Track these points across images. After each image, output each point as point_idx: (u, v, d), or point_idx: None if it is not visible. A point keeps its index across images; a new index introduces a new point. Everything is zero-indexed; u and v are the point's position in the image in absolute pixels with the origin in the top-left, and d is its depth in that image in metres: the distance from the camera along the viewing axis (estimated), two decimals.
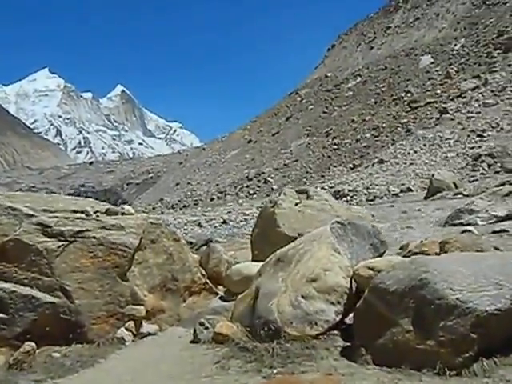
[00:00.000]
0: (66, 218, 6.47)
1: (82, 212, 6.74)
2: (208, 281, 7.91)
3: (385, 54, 57.62)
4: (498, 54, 38.54)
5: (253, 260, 8.94)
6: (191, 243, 11.44)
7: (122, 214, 7.16)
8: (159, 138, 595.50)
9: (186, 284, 7.37)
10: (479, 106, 30.61)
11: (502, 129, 24.38)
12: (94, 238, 6.33)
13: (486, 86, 33.43)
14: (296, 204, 9.01)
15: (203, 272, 7.94)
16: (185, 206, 41.79)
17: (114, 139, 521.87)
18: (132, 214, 7.27)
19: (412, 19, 60.71)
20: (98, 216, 6.75)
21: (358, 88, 52.79)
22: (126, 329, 6.09)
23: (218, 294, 7.94)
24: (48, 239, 6.11)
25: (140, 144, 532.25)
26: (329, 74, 62.89)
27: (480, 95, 32.41)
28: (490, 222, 9.46)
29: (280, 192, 10.10)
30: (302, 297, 4.87)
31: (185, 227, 21.00)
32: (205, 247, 10.60)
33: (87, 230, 6.36)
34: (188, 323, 6.41)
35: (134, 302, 6.35)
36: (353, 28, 72.73)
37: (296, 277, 5.09)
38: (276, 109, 63.42)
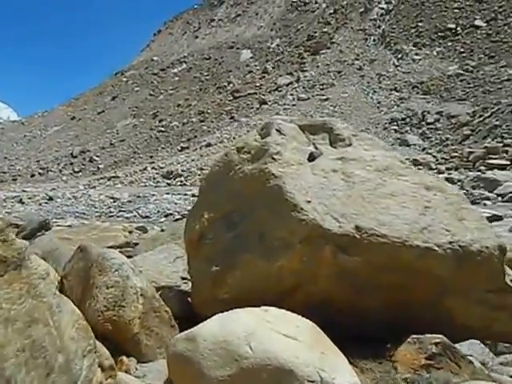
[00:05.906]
0: None
1: None
2: None
3: (209, 45, 60.79)
4: (308, 55, 44.24)
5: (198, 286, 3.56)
6: (18, 226, 7.16)
7: None
8: None
9: None
10: (293, 99, 35.20)
11: None
12: None
13: (299, 82, 38.41)
14: (312, 157, 3.64)
15: None
16: (1, 182, 39.38)
17: None
18: None
19: (234, 15, 65.02)
20: None
21: (184, 74, 55.06)
22: None
23: None
24: None
25: None
26: (155, 58, 63.93)
27: (294, 90, 37.18)
28: None
29: (265, 126, 3.87)
30: None
31: (4, 204, 19.16)
32: (41, 237, 5.89)
33: None
34: None
35: None
36: (178, 16, 74.71)
37: None
38: (101, 87, 62.33)
